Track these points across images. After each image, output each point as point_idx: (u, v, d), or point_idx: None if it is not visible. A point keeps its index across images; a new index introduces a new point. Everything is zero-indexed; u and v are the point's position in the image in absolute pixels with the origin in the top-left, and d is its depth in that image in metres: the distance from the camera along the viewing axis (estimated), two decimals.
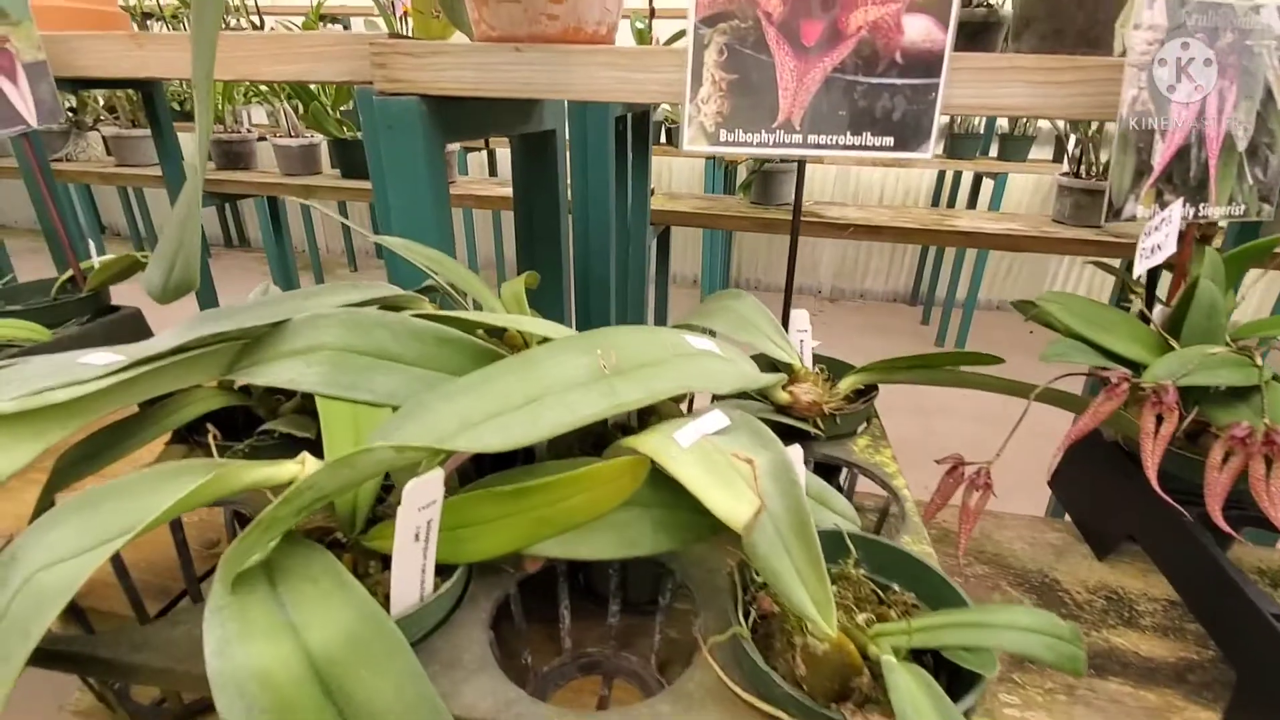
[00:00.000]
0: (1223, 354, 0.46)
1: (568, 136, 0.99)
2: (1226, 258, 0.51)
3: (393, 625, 0.29)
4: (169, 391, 0.42)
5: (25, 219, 3.77)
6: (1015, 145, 2.35)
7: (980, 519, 0.54)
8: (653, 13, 1.54)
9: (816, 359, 0.60)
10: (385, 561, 0.36)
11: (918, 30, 0.50)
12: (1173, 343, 0.49)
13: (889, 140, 0.53)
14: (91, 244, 0.74)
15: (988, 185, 2.59)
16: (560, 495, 0.33)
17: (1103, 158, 1.43)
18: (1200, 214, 0.50)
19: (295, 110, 1.77)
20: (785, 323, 0.57)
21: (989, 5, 1.26)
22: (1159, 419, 0.42)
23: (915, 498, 0.47)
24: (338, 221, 3.32)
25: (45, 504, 0.42)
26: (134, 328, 0.74)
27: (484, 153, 2.87)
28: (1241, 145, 0.50)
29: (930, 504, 0.50)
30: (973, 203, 2.71)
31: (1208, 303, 0.48)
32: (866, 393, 0.54)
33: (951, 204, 2.82)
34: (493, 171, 2.95)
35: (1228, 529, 0.41)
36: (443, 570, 0.35)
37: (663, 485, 0.34)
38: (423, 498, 0.29)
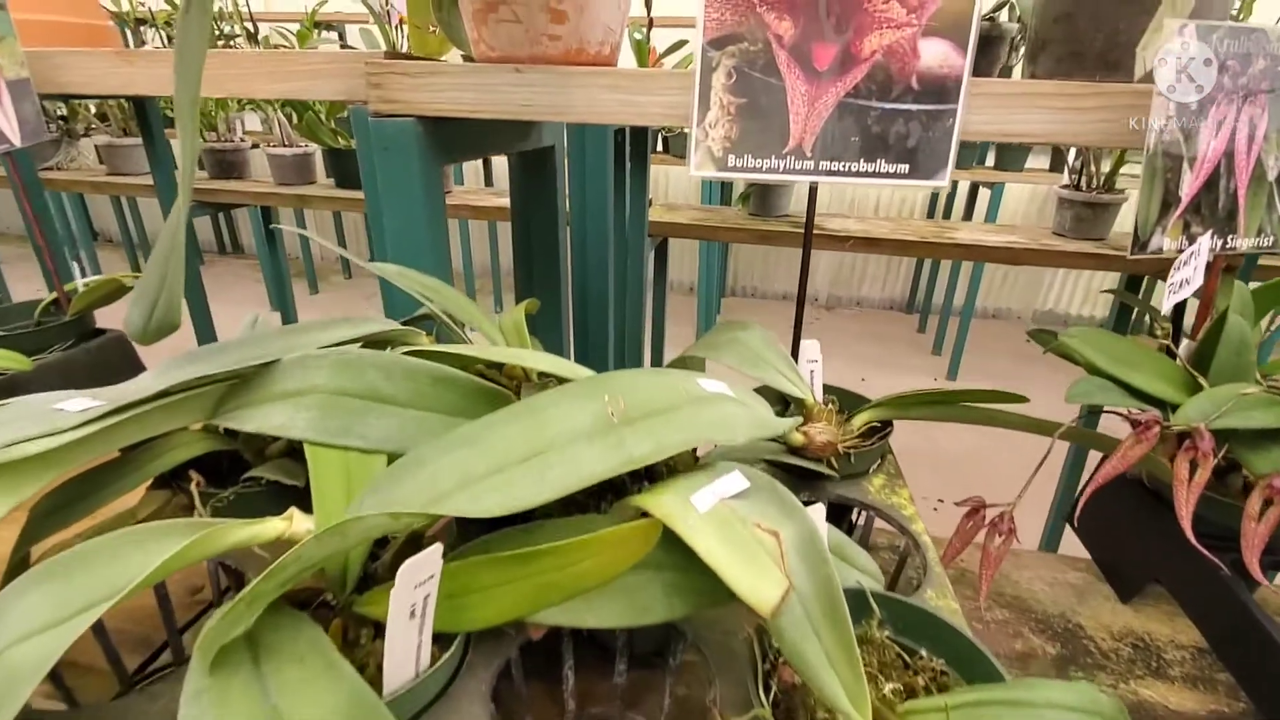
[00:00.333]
0: (1256, 394, 0.44)
1: (566, 150, 0.97)
2: (1255, 291, 0.50)
3: (385, 710, 0.27)
4: (152, 436, 0.40)
5: (18, 225, 3.73)
6: (1011, 154, 2.34)
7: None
8: (651, 23, 1.53)
9: (825, 389, 0.58)
10: (378, 628, 0.34)
11: (934, 55, 0.49)
12: (1201, 380, 0.47)
13: (904, 168, 0.51)
14: (76, 267, 0.72)
15: (984, 194, 2.58)
16: (567, 560, 0.31)
17: (1104, 169, 1.42)
18: (1229, 246, 0.48)
19: (289, 119, 1.75)
20: (795, 352, 0.55)
21: (992, 19, 1.25)
22: (1193, 465, 0.40)
23: (921, 510, 0.45)
24: (331, 229, 3.30)
25: (20, 558, 0.40)
26: (118, 352, 0.71)
27: (479, 162, 2.85)
28: (1273, 175, 0.48)
29: (950, 547, 0.48)
30: (969, 212, 2.70)
31: (1237, 339, 0.46)
32: (880, 428, 0.52)
33: (948, 214, 2.82)
34: (489, 181, 2.92)
35: (1264, 581, 0.40)
36: (440, 637, 0.33)
37: (675, 545, 0.31)
38: (419, 575, 0.27)
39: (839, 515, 0.51)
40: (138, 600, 0.47)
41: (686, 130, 0.53)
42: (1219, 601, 0.44)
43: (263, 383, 0.40)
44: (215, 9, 2.22)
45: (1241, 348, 0.47)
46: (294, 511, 0.35)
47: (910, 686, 0.32)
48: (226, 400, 0.40)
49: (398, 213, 0.61)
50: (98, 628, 0.41)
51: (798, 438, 0.46)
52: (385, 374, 0.41)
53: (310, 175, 1.77)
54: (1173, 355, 0.50)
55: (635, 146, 1.23)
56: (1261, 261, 0.96)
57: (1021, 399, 0.46)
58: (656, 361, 1.72)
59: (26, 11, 0.75)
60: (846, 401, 0.56)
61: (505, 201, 1.58)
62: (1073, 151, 1.53)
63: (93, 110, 1.98)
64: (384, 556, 0.36)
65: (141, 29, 2.19)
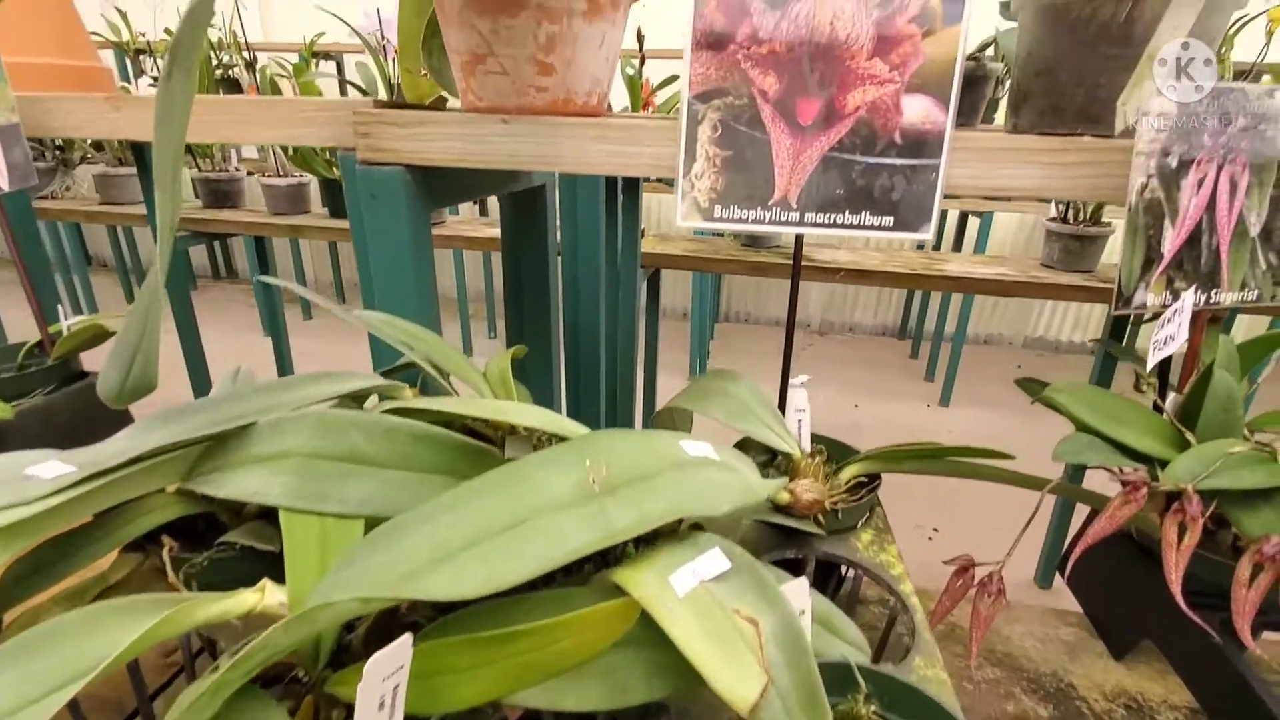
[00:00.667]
0: (1244, 452, 0.44)
1: (558, 184, 0.98)
2: (1240, 346, 0.50)
3: None
4: (125, 500, 0.39)
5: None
6: None
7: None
8: (643, 59, 1.55)
9: (813, 438, 0.58)
10: (349, 710, 0.33)
11: (917, 111, 0.49)
12: (1189, 436, 0.47)
13: (888, 220, 0.51)
14: (61, 310, 0.71)
15: (974, 223, 2.60)
16: (546, 640, 0.30)
17: (1090, 202, 1.44)
18: (1212, 300, 0.49)
19: (284, 150, 1.76)
20: (782, 403, 0.55)
21: (977, 59, 1.27)
22: (1181, 529, 0.40)
23: (916, 540, 0.44)
24: (326, 253, 3.30)
25: None
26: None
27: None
28: (1254, 230, 0.48)
29: (939, 606, 0.47)
30: (959, 241, 2.73)
31: (1224, 394, 0.46)
32: (869, 481, 0.52)
33: (938, 244, 2.84)
34: (483, 212, 2.94)
35: (1254, 646, 0.39)
36: (412, 719, 0.32)
37: (658, 622, 0.31)
38: (388, 667, 0.26)
39: (827, 571, 0.50)
40: None
41: (673, 180, 0.53)
42: (1210, 664, 0.43)
43: (239, 445, 0.39)
44: (214, 39, 2.25)
45: (1228, 403, 0.47)
46: (266, 583, 0.35)
47: None
48: (202, 463, 0.39)
49: (385, 259, 0.61)
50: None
51: (784, 496, 0.46)
52: (366, 435, 0.41)
53: (304, 205, 1.77)
54: (1160, 410, 0.50)
55: (628, 178, 1.24)
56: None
57: (1009, 456, 0.46)
58: (649, 390, 1.72)
59: (20, 55, 0.76)
60: (834, 451, 0.55)
61: (498, 232, 1.59)
62: None
63: (88, 140, 1.99)
64: (359, 630, 0.36)
65: (141, 58, 2.21)
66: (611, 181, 1.13)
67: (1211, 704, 0.43)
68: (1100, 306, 2.85)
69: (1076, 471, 1.01)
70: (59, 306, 0.74)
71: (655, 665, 0.31)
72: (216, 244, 3.60)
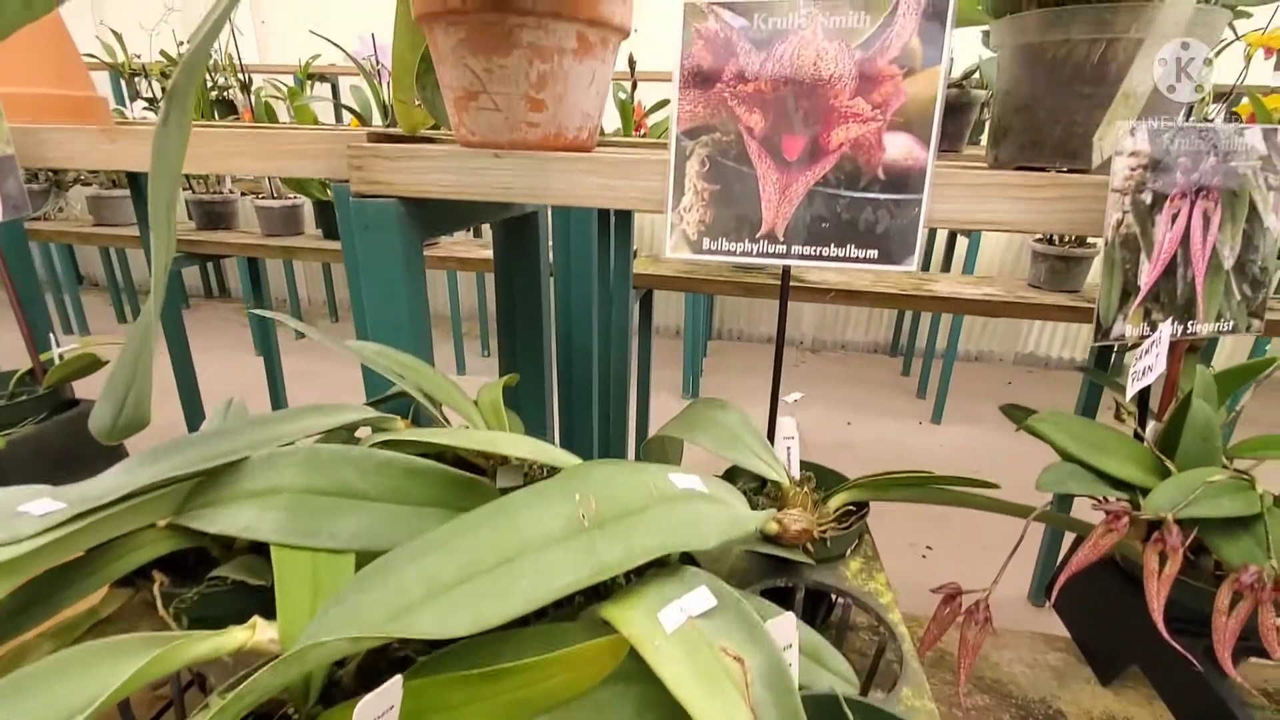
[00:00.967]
0: (1222, 481, 0.44)
1: (550, 209, 0.99)
2: (1218, 375, 0.51)
3: None
4: (115, 535, 0.39)
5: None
6: None
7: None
8: (635, 84, 1.57)
9: (802, 465, 0.58)
10: None
11: (899, 148, 0.50)
12: (1169, 464, 0.48)
13: (873, 253, 0.53)
14: (53, 338, 0.71)
15: (962, 243, 2.64)
16: (536, 677, 0.30)
17: None
18: (1189, 331, 0.50)
19: None
20: (770, 432, 0.56)
21: (960, 86, 1.30)
22: (1162, 558, 0.41)
23: (910, 558, 0.45)
24: (319, 273, 3.30)
25: None
26: None
27: None
28: (1228, 263, 0.50)
29: (927, 634, 0.47)
30: (948, 260, 2.76)
31: (1202, 424, 0.47)
32: (857, 509, 0.52)
33: (927, 263, 2.87)
34: (477, 233, 2.96)
35: (1235, 675, 0.40)
36: None
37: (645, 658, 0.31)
38: (377, 709, 0.27)
39: (816, 599, 0.51)
40: None
41: (662, 214, 0.55)
42: (1194, 690, 0.43)
43: (230, 480, 0.40)
44: (210, 61, 2.26)
45: (1206, 432, 0.48)
46: (257, 620, 0.35)
47: None
48: (193, 498, 0.40)
49: (378, 289, 0.62)
50: None
51: (773, 526, 0.46)
52: (357, 470, 0.41)
53: (298, 227, 1.78)
54: (1140, 439, 0.51)
55: None
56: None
57: (994, 485, 0.47)
58: (642, 408, 1.72)
59: (14, 85, 0.76)
60: (824, 479, 0.56)
61: (492, 254, 1.60)
62: None
63: None
64: (349, 665, 0.36)
65: (135, 80, 2.23)
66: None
67: None
68: (1088, 325, 2.89)
69: (1064, 497, 1.01)
70: (50, 335, 0.74)
71: (646, 702, 0.32)
72: (209, 264, 3.60)
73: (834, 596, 0.52)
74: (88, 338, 0.76)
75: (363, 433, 0.54)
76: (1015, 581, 1.36)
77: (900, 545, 1.60)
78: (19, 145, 0.68)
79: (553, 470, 0.44)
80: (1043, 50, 0.55)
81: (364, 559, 0.38)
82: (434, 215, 0.64)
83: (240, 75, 1.95)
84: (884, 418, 2.45)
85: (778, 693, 0.26)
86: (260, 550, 0.45)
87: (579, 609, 0.39)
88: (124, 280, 3.10)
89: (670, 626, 0.29)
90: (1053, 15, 0.54)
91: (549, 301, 1.00)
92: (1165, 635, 0.39)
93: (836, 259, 0.53)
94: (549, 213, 0.98)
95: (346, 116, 1.91)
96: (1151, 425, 0.51)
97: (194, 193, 1.81)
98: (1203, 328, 0.50)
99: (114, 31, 2.24)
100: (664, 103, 1.84)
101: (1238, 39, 0.96)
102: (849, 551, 0.51)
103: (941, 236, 2.81)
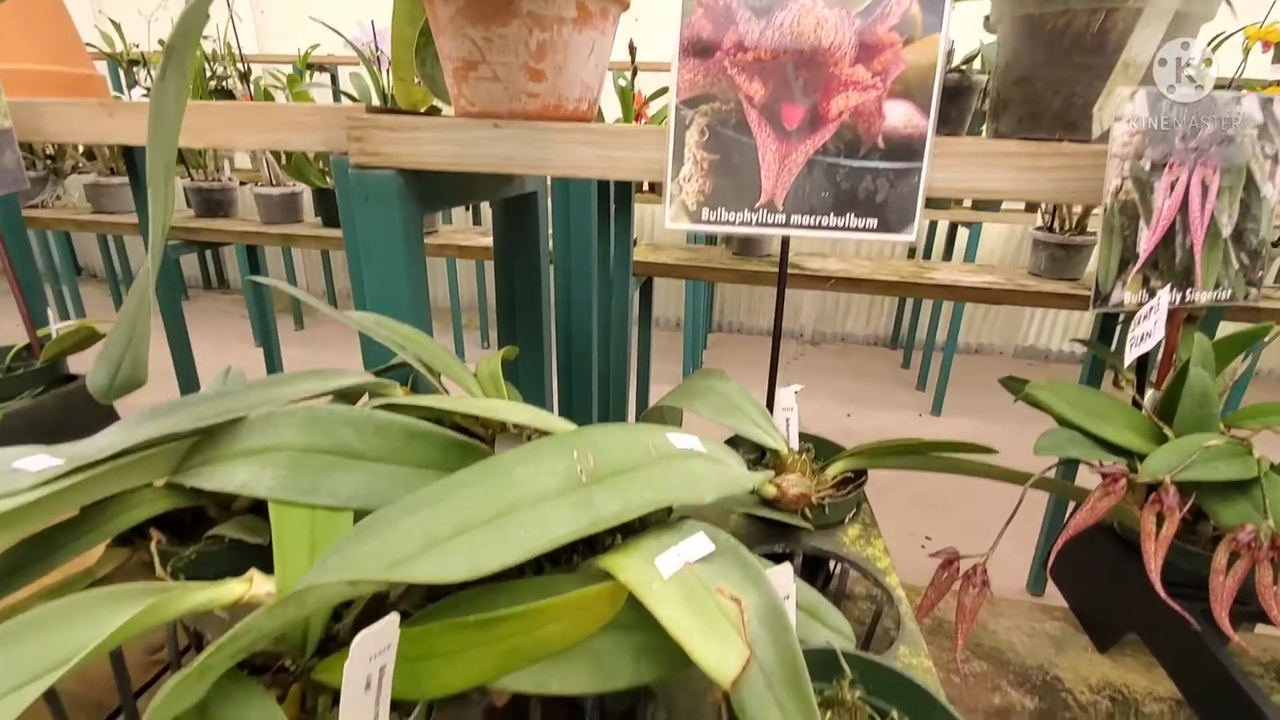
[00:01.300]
0: (1219, 445, 0.44)
1: (550, 192, 0.99)
2: (1216, 343, 0.51)
3: None
4: (111, 494, 0.39)
5: None
6: None
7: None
8: (635, 71, 1.57)
9: (801, 437, 0.58)
10: (337, 696, 0.33)
11: (899, 116, 0.50)
12: (1167, 431, 0.48)
13: (872, 222, 0.53)
14: (51, 314, 0.71)
15: (963, 234, 2.63)
16: (532, 625, 0.30)
17: (1075, 210, 1.46)
18: (1187, 299, 0.50)
19: (277, 159, 1.76)
20: (770, 401, 0.56)
21: (961, 71, 1.29)
22: (1159, 519, 0.41)
23: (909, 548, 0.45)
24: (318, 263, 3.30)
25: None
26: (90, 400, 0.70)
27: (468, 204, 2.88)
28: (1226, 231, 0.50)
29: (925, 599, 0.47)
30: (949, 251, 2.76)
31: (1200, 391, 0.47)
32: (855, 477, 0.52)
33: (928, 253, 2.87)
34: (477, 221, 2.95)
35: (1234, 636, 0.40)
36: (400, 704, 0.32)
37: (645, 606, 0.31)
38: (375, 646, 0.27)
39: (814, 565, 0.51)
40: (92, 662, 0.45)
41: (662, 184, 0.54)
42: (1192, 655, 0.44)
43: (228, 439, 0.40)
44: (209, 50, 2.26)
45: (1204, 400, 0.48)
46: (254, 573, 0.35)
47: None
48: (190, 456, 0.40)
49: (378, 263, 0.62)
50: (48, 693, 0.40)
51: (771, 490, 0.46)
52: (356, 429, 0.41)
53: (297, 214, 1.78)
54: (1139, 406, 0.51)
55: (620, 187, 1.25)
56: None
57: (992, 450, 0.47)
58: (642, 400, 1.72)
59: (13, 61, 0.76)
60: (822, 449, 0.56)
61: (491, 241, 1.60)
62: None
63: (80, 149, 1.99)
64: (346, 619, 0.36)
65: (135, 70, 2.22)
66: (604, 190, 1.14)
67: (1195, 695, 0.44)
68: (1089, 317, 2.88)
69: (1067, 474, 1.01)
70: (48, 310, 0.74)
71: (643, 649, 0.32)
72: (208, 254, 3.60)
73: (832, 566, 0.52)
74: (84, 319, 0.76)
75: (362, 403, 0.54)
76: (1013, 573, 1.36)
77: (899, 534, 1.60)
78: (17, 119, 0.68)
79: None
80: (1042, 21, 0.55)
81: (362, 519, 0.38)
82: (433, 188, 0.64)
83: (239, 65, 1.94)
84: (884, 410, 2.45)
85: (775, 631, 0.26)
86: (258, 510, 0.45)
87: (576, 567, 0.39)
88: (122, 270, 3.10)
89: (667, 571, 0.29)
90: None
91: (549, 287, 1.00)
92: (1163, 595, 0.39)
93: (836, 228, 0.53)
94: (549, 195, 0.98)
95: (346, 104, 1.90)
96: (1150, 393, 0.51)
97: (192, 180, 1.80)
98: (1201, 296, 0.50)
99: (113, 21, 2.23)
100: (663, 90, 1.83)
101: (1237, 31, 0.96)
102: (847, 519, 0.51)
103: (943, 228, 2.80)
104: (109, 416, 0.72)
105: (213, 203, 1.79)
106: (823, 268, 1.56)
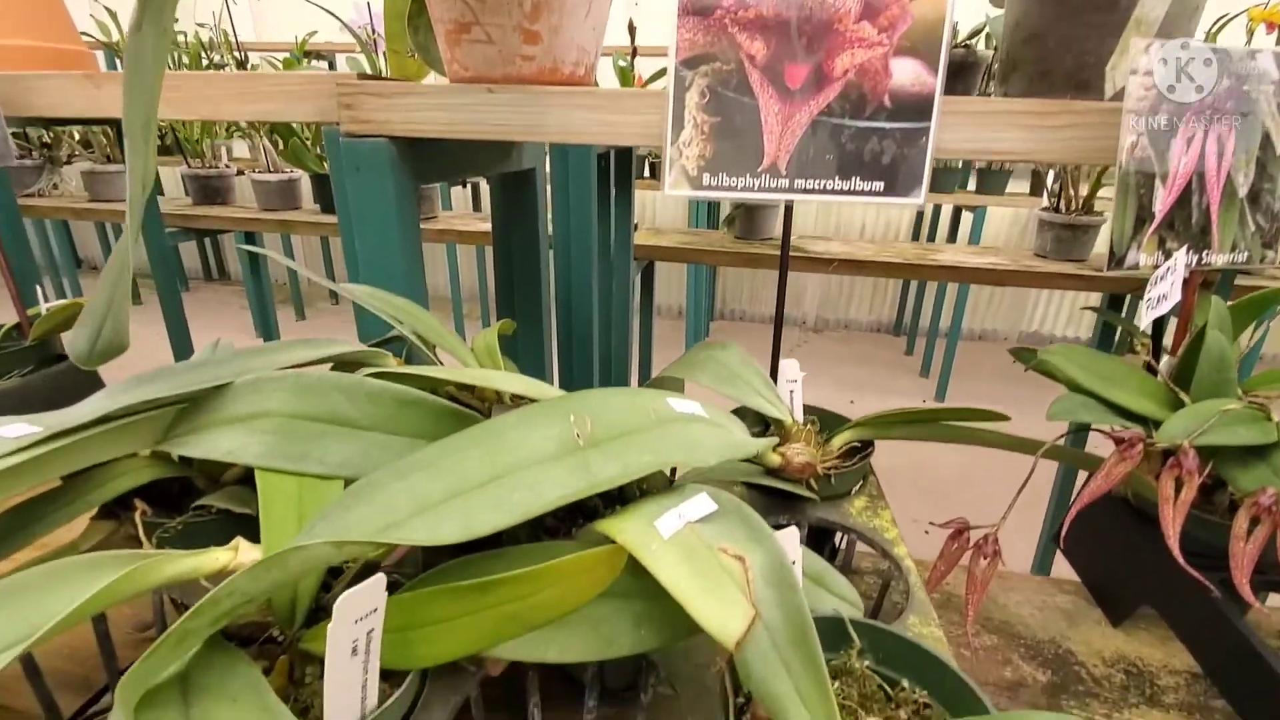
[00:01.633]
0: (1237, 410, 0.43)
1: (549, 173, 0.97)
2: (1232, 306, 0.49)
3: None
4: (96, 463, 0.38)
5: None
6: (993, 179, 2.38)
7: None
8: (634, 51, 1.55)
9: (806, 409, 0.57)
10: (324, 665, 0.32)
11: (906, 74, 0.49)
12: (1183, 396, 0.47)
13: (879, 185, 0.51)
14: (40, 291, 0.70)
15: (967, 218, 2.61)
16: (527, 590, 0.29)
17: (1082, 192, 1.44)
18: (1204, 261, 0.48)
19: (275, 145, 1.75)
20: (773, 372, 0.54)
21: (967, 46, 1.27)
22: (1178, 484, 0.39)
23: (910, 534, 0.44)
24: (318, 251, 3.29)
25: None
26: (80, 379, 0.69)
27: (468, 188, 2.86)
28: (1243, 191, 0.48)
29: (934, 571, 0.46)
30: (953, 236, 2.74)
31: (1217, 355, 0.46)
32: (861, 448, 0.51)
33: (932, 237, 2.85)
34: (476, 206, 2.93)
35: (1256, 603, 0.38)
36: (392, 674, 0.31)
37: (645, 572, 0.30)
38: (360, 609, 0.25)
39: (820, 539, 0.50)
40: (78, 639, 0.44)
41: (661, 149, 0.53)
42: (1211, 625, 0.42)
43: (214, 406, 0.38)
44: (205, 39, 2.24)
45: (1221, 364, 0.46)
46: (240, 541, 0.34)
47: None
48: (176, 425, 0.38)
49: (370, 235, 0.60)
50: (31, 669, 0.39)
51: (775, 459, 0.45)
52: (348, 396, 0.40)
53: (295, 201, 1.76)
54: (1154, 371, 0.49)
55: (619, 169, 1.23)
56: (1239, 281, 0.97)
57: (1004, 417, 0.45)
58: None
59: (1, 37, 0.75)
60: (827, 422, 0.55)
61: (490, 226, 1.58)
62: (1051, 174, 1.55)
63: (76, 137, 1.97)
64: (336, 588, 0.34)
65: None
66: (604, 173, 1.12)
67: (1213, 666, 0.42)
68: (1094, 297, 2.86)
69: (1076, 442, 1.00)
70: (38, 287, 0.72)
71: (643, 617, 0.30)
72: (208, 245, 3.59)
73: (838, 540, 0.51)
74: (75, 299, 0.75)
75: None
76: (1018, 557, 1.35)
77: (901, 520, 1.59)
78: (4, 93, 0.67)
79: None
80: None
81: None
82: (427, 159, 0.62)
83: (236, 54, 1.92)
84: (887, 397, 2.44)
85: (781, 590, 0.25)
86: (247, 482, 0.44)
87: (574, 536, 0.38)
88: None
89: (668, 532, 0.28)
90: None
91: (548, 268, 0.98)
92: (1181, 561, 0.38)
93: (841, 192, 0.51)
94: (549, 180, 0.96)
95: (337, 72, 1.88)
96: (1165, 360, 0.50)
97: (189, 167, 1.79)
98: (1217, 258, 0.49)
99: (108, 9, 2.21)
100: (662, 72, 1.81)
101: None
102: (853, 490, 0.50)
103: (946, 212, 2.78)
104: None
105: (210, 189, 1.78)
106: (826, 250, 1.54)
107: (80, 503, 0.38)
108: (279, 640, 0.33)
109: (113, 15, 2.23)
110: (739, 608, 0.23)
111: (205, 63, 1.92)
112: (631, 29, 1.51)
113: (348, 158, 0.58)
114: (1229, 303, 0.50)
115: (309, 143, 1.69)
